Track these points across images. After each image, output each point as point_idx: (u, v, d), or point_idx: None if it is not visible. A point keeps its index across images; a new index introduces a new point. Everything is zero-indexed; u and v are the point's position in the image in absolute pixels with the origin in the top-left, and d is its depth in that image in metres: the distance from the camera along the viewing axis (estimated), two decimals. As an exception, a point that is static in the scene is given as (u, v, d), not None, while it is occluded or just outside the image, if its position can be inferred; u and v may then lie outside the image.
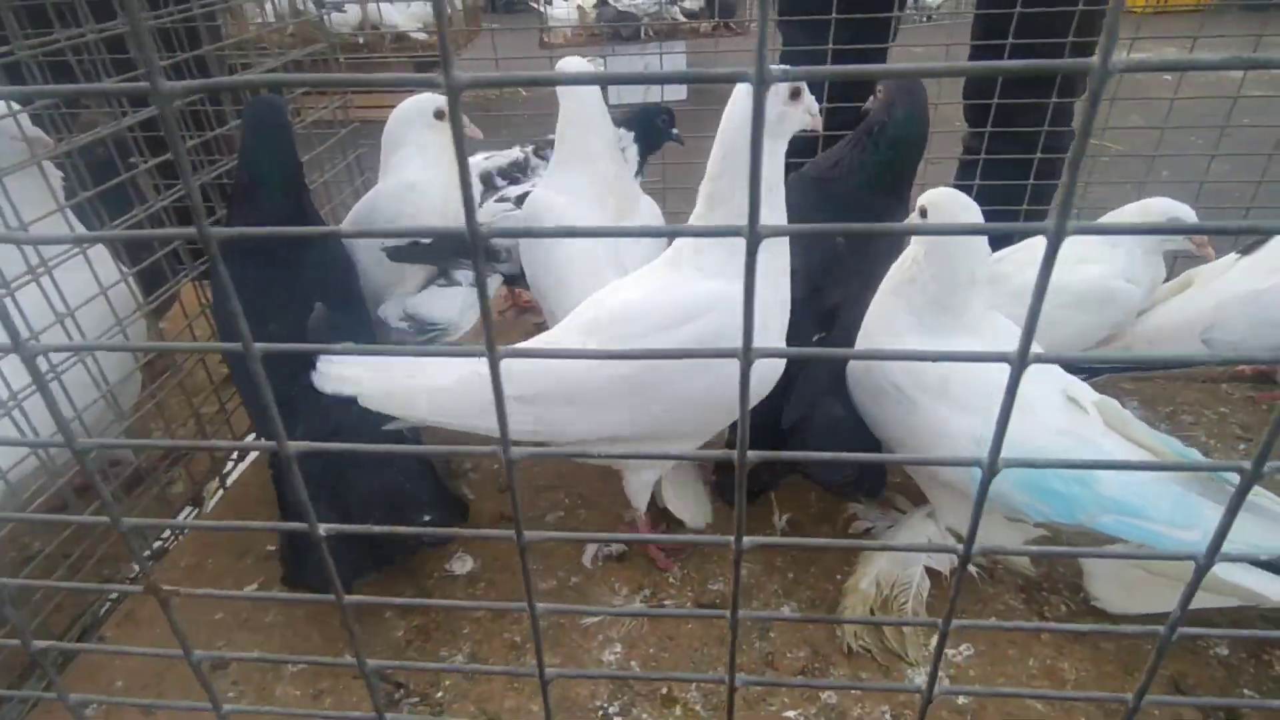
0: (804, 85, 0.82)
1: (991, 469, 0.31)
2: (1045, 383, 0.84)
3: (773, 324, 0.85)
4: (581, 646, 0.91)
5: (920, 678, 0.87)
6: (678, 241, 0.89)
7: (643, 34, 4.16)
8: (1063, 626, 0.40)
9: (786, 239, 0.86)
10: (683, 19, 4.33)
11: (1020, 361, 0.28)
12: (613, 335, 0.84)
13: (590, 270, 1.04)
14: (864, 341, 0.94)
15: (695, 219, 0.86)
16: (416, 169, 1.13)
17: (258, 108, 1.02)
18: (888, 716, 0.82)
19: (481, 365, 0.30)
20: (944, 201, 0.90)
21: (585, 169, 1.09)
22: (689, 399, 0.84)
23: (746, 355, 0.30)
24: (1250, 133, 1.53)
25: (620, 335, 0.84)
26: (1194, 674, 0.85)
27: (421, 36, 3.97)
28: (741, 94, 0.82)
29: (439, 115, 1.11)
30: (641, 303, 0.86)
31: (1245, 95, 1.39)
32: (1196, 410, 1.22)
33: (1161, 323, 1.18)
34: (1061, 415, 0.82)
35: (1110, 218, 1.14)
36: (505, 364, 0.30)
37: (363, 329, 1.05)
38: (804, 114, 0.83)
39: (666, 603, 0.97)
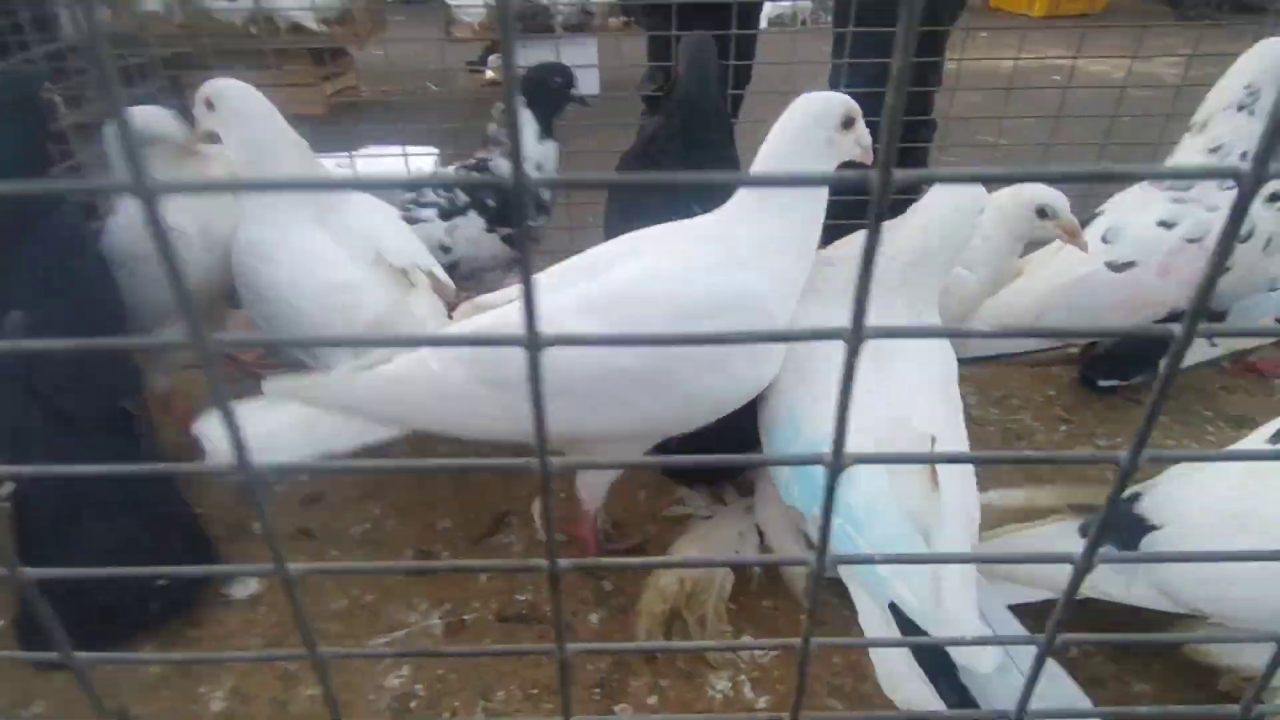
0: (859, 115, 0.76)
1: (836, 464, 0.25)
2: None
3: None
4: (363, 672, 0.83)
5: (723, 682, 0.83)
6: (708, 217, 0.80)
7: (557, 28, 4.08)
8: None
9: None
10: (593, 13, 4.27)
11: (856, 336, 0.23)
12: (620, 318, 0.73)
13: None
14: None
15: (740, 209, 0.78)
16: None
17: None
18: (682, 728, 0.78)
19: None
20: None
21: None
22: (691, 398, 0.75)
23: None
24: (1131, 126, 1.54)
25: (629, 319, 0.73)
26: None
27: (320, 29, 3.80)
28: (801, 107, 0.77)
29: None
30: (659, 284, 0.74)
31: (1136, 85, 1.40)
32: (1025, 394, 1.22)
33: (998, 312, 1.17)
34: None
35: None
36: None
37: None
38: (854, 144, 0.77)
39: (467, 617, 0.90)
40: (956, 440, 0.74)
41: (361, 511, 1.04)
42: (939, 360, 0.80)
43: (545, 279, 0.77)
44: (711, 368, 0.74)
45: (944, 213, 0.81)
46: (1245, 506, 0.68)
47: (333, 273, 0.92)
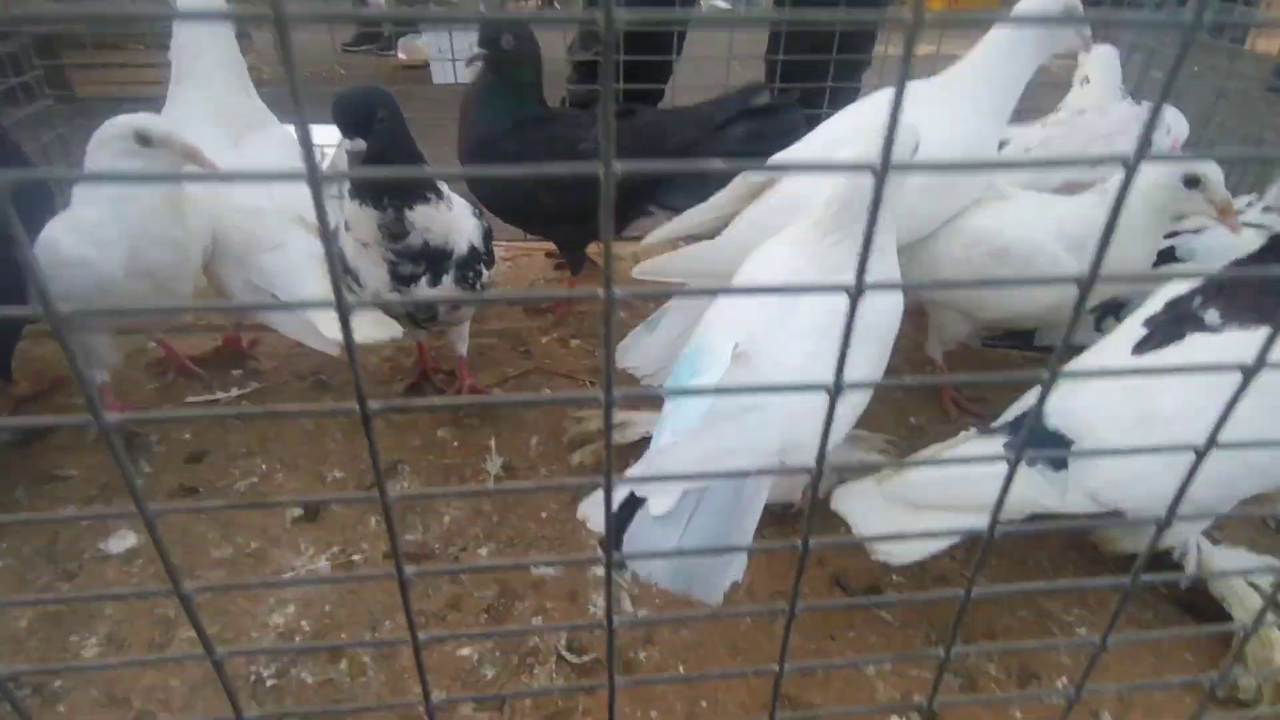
0: (1210, 177, 0.85)
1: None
2: None
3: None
4: (248, 612, 0.84)
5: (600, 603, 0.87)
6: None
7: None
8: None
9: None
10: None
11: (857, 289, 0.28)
12: None
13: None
14: None
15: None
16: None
17: None
18: (564, 642, 0.82)
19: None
20: None
21: (200, 93, 1.09)
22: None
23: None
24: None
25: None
26: (855, 568, 0.91)
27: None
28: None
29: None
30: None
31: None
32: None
33: None
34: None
35: None
36: None
37: None
38: (1206, 203, 0.86)
39: (356, 558, 0.92)
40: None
41: (248, 466, 1.04)
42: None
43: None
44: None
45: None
46: (1145, 409, 0.74)
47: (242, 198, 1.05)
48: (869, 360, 0.82)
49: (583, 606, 0.87)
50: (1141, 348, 0.82)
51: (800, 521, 0.90)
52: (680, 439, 0.73)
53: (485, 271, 1.06)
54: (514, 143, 1.22)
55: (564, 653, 0.81)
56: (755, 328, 0.80)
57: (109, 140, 0.91)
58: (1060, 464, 0.77)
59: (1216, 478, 0.66)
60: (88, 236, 0.93)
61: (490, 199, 1.23)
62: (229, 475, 1.02)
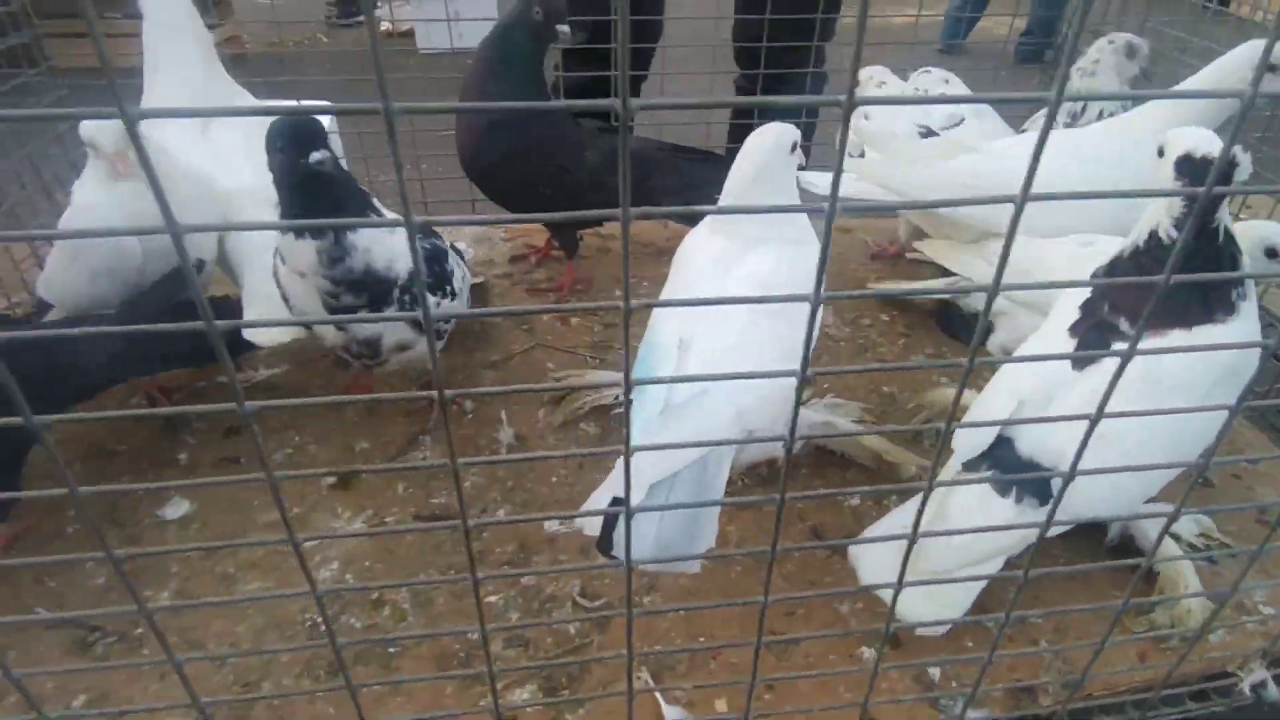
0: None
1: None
2: None
3: None
4: (297, 569, 0.95)
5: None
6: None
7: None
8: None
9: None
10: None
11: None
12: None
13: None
14: None
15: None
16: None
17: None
18: (578, 587, 0.94)
19: None
20: None
21: (172, 82, 1.17)
22: None
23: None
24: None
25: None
26: (831, 522, 1.03)
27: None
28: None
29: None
30: None
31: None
32: (874, 315, 1.44)
33: None
34: None
35: None
36: None
37: None
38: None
39: (389, 519, 1.03)
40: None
41: (283, 439, 1.14)
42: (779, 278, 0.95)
43: None
44: None
45: (751, 147, 0.94)
46: (1101, 429, 0.84)
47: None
48: (802, 323, 0.94)
49: (593, 558, 0.98)
50: (1079, 364, 0.83)
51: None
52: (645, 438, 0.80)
53: (439, 302, 1.02)
54: (538, 129, 1.28)
55: (578, 599, 0.93)
56: (693, 314, 0.88)
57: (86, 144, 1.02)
58: (1045, 495, 0.81)
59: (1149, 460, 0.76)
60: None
61: (488, 178, 1.31)
62: (266, 447, 1.12)
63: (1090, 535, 0.99)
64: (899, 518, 0.92)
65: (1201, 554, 0.95)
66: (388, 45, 3.37)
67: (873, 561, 0.89)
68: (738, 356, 0.86)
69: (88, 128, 1.02)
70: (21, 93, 1.36)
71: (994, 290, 0.40)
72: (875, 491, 1.04)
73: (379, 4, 3.69)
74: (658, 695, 0.82)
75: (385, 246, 0.96)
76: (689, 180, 1.37)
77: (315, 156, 0.85)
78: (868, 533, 0.94)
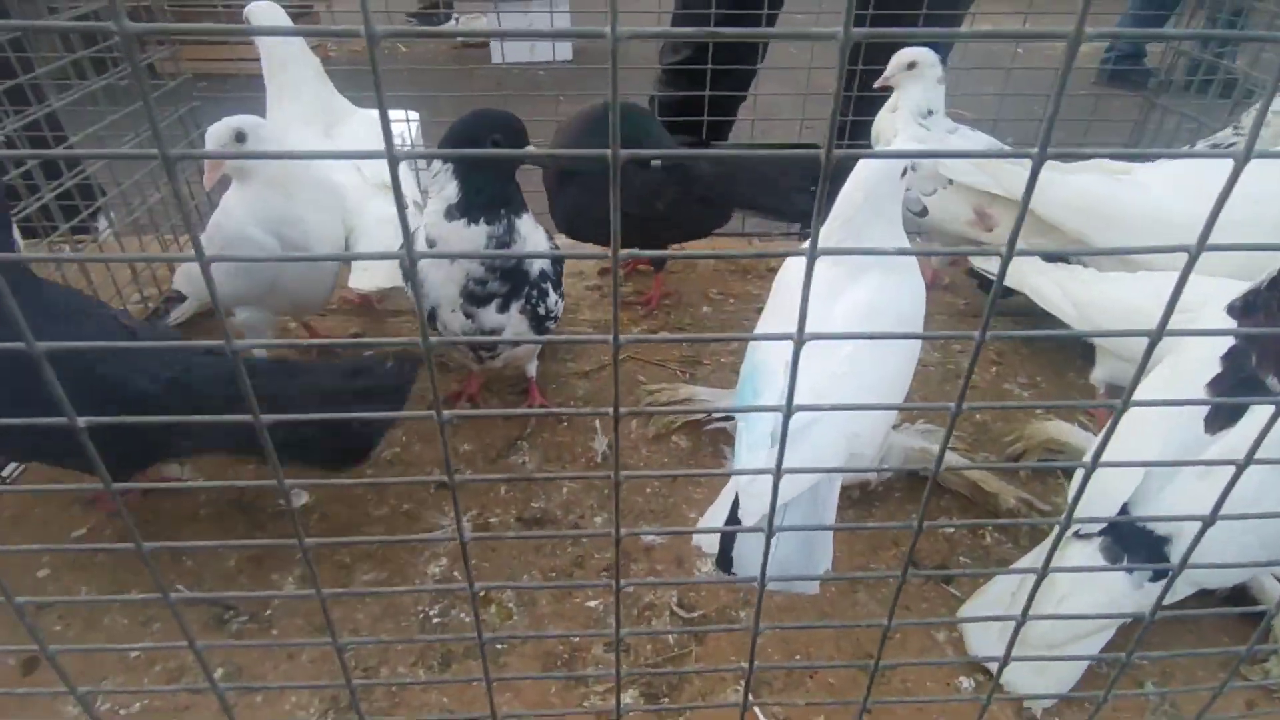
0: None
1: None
2: None
3: None
4: (409, 563, 1.00)
5: (703, 568, 1.01)
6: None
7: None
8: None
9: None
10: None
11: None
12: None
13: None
14: None
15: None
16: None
17: None
18: (675, 598, 0.96)
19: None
20: None
21: (294, 102, 1.34)
22: None
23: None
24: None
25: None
26: (925, 548, 1.03)
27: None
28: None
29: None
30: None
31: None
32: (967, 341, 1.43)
33: None
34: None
35: None
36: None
37: None
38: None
39: (492, 520, 1.07)
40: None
41: (390, 439, 1.19)
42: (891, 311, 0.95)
43: None
44: None
45: (863, 174, 0.94)
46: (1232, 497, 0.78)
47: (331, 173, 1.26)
48: (906, 351, 0.94)
49: (688, 569, 1.01)
50: (1213, 425, 0.78)
51: (876, 501, 1.03)
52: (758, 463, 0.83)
53: (557, 300, 1.05)
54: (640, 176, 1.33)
55: (675, 609, 0.95)
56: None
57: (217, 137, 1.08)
58: (1159, 560, 0.77)
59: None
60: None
61: (574, 212, 1.36)
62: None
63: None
64: (1006, 584, 0.90)
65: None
66: (463, 55, 3.48)
67: (979, 627, 0.88)
68: (844, 384, 0.88)
69: (206, 134, 1.10)
70: (161, 101, 1.47)
71: (1008, 254, 0.34)
72: (1010, 524, 1.03)
73: (456, 17, 3.82)
74: (757, 710, 0.84)
75: (534, 241, 1.03)
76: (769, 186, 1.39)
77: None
78: (977, 602, 0.92)
